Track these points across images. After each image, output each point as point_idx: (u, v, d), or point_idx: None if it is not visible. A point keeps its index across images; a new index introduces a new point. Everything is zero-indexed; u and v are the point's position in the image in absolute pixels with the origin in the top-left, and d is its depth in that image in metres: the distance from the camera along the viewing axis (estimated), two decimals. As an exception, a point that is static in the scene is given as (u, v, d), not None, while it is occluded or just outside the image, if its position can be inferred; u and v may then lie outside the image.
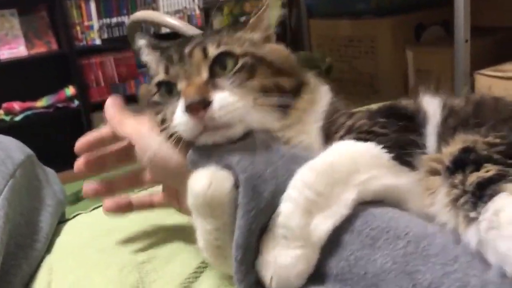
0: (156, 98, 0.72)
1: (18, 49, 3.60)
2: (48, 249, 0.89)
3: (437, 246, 0.52)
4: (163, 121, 0.69)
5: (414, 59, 2.95)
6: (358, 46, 3.22)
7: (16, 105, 3.54)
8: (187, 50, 0.70)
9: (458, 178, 0.54)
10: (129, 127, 0.74)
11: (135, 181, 0.84)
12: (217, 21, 3.81)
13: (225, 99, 0.64)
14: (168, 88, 0.70)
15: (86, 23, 3.79)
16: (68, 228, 0.98)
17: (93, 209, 1.05)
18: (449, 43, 2.46)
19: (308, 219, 0.56)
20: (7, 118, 3.50)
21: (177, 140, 0.66)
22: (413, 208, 0.61)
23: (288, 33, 4.03)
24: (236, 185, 0.60)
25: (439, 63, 2.76)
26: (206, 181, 0.60)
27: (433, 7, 3.15)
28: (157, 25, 3.73)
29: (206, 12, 4.04)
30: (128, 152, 0.78)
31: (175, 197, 0.77)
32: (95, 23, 3.81)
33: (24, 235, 0.85)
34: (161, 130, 0.69)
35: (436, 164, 0.58)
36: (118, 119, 0.76)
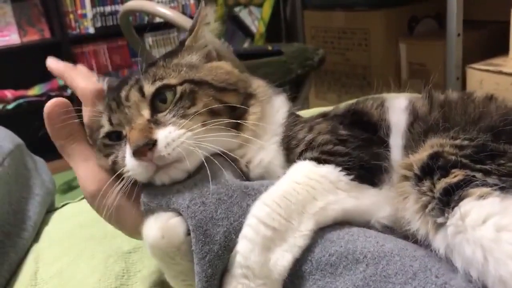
0: (105, 141, 0.69)
1: (10, 37, 3.58)
2: (36, 238, 0.90)
3: (396, 265, 0.52)
4: (114, 163, 0.67)
5: (407, 52, 2.95)
6: (351, 38, 3.22)
7: (9, 93, 3.52)
8: (123, 94, 0.67)
9: (426, 184, 0.54)
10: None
11: None
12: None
13: (170, 135, 0.62)
14: (116, 135, 0.68)
15: (79, 11, 3.76)
16: (56, 218, 0.99)
17: (82, 198, 1.06)
18: (441, 36, 2.46)
19: (266, 255, 0.55)
20: None
21: (133, 184, 0.64)
22: (379, 218, 0.60)
23: (282, 24, 4.02)
24: (189, 232, 0.58)
25: (431, 56, 2.76)
26: (158, 232, 0.59)
27: (426, 0, 3.16)
28: (150, 14, 3.71)
29: (200, 2, 4.02)
30: None
31: None
32: (89, 12, 3.79)
33: (11, 224, 0.86)
34: (113, 174, 0.66)
35: (406, 171, 0.58)
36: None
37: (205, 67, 0.72)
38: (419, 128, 0.65)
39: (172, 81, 0.67)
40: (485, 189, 0.50)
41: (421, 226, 0.54)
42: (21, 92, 3.57)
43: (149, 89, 0.66)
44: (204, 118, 0.64)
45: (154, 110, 0.66)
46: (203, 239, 0.56)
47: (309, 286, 0.55)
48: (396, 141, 0.65)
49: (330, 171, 0.60)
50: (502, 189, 0.50)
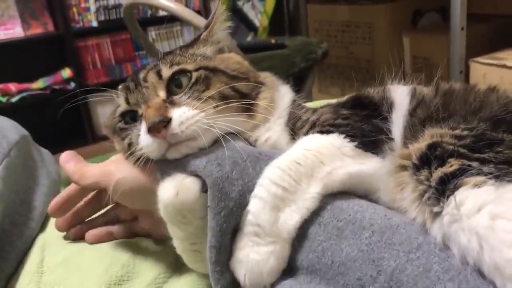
0: (121, 125, 0.74)
1: (14, 30, 3.58)
2: (42, 227, 0.91)
3: (401, 236, 0.54)
4: (130, 144, 0.71)
5: (410, 46, 2.95)
6: (355, 32, 3.21)
7: (13, 86, 3.53)
8: (141, 76, 0.72)
9: (423, 174, 0.55)
10: (93, 174, 0.75)
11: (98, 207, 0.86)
12: (215, 4, 3.79)
13: (184, 114, 0.65)
14: (131, 116, 0.73)
15: (83, 5, 3.76)
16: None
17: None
18: (445, 30, 2.46)
19: (276, 215, 0.58)
20: (4, 99, 3.49)
21: (146, 161, 0.68)
22: (383, 197, 0.63)
23: (285, 18, 4.02)
24: (204, 189, 0.62)
25: (435, 50, 2.76)
26: (173, 190, 0.61)
27: (430, -6, 3.15)
28: (153, 7, 3.71)
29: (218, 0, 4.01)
30: (99, 200, 0.83)
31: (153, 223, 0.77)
32: (92, 5, 3.78)
33: (18, 214, 0.87)
34: (129, 154, 0.71)
35: (405, 160, 0.59)
36: (78, 174, 0.76)
37: (217, 57, 0.78)
38: (420, 115, 0.66)
39: (189, 66, 0.72)
40: (480, 178, 0.51)
41: (418, 215, 0.55)
42: (25, 85, 3.57)
43: (166, 72, 0.71)
44: (216, 102, 0.69)
45: (170, 93, 0.70)
46: (219, 196, 0.59)
47: (315, 247, 0.57)
48: (398, 120, 0.68)
49: (335, 138, 0.64)
50: (497, 177, 0.51)
